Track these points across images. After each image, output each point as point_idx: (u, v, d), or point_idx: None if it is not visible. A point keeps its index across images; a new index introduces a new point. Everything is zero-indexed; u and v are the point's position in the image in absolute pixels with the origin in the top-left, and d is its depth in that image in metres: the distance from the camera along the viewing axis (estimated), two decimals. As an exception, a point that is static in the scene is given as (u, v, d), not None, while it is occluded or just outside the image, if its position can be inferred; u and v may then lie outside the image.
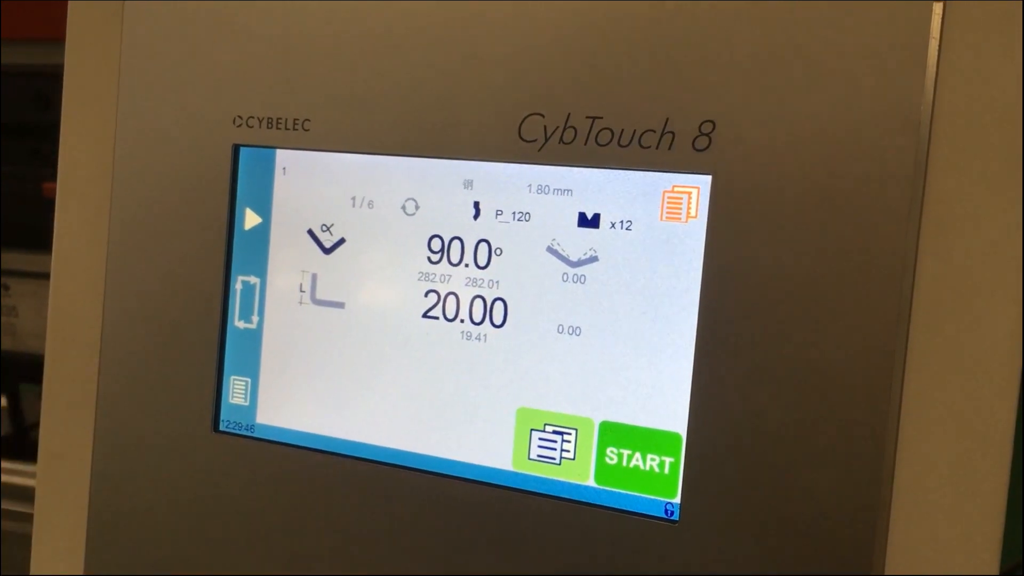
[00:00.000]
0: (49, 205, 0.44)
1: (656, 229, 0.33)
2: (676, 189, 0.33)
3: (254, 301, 0.40)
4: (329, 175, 0.38)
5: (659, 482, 0.34)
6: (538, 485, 0.35)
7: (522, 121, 0.35)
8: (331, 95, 0.38)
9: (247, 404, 0.40)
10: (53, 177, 0.44)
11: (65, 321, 0.43)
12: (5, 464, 0.75)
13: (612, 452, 0.34)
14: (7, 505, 0.71)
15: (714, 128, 0.32)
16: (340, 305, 0.38)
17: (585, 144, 0.34)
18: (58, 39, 0.43)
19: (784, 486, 0.31)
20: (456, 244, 0.36)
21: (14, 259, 0.80)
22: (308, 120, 0.38)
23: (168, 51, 0.40)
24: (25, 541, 0.45)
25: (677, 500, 0.33)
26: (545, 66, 0.34)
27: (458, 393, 0.36)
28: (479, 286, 0.36)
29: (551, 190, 0.35)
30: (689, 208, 0.33)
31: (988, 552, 0.30)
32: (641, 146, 0.33)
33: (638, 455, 0.34)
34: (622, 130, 0.33)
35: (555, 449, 0.35)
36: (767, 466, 0.32)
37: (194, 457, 0.40)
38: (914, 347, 0.31)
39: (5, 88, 0.79)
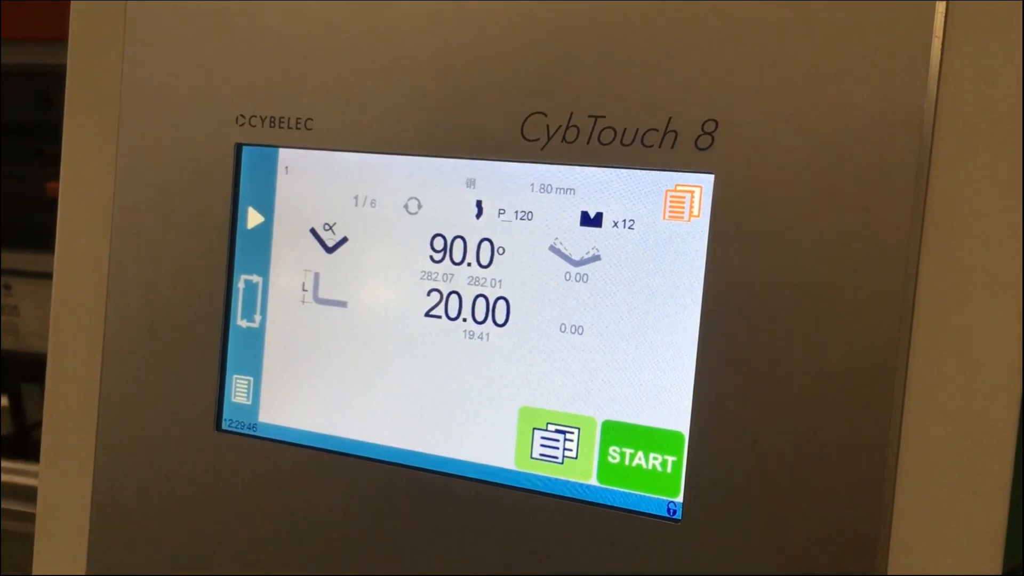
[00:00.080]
0: (51, 205, 0.44)
1: (659, 228, 0.33)
2: (679, 188, 0.33)
3: (256, 300, 0.40)
4: (331, 174, 0.38)
5: (661, 481, 0.34)
6: (540, 484, 0.35)
7: (525, 120, 0.35)
8: (333, 94, 0.38)
9: (249, 403, 0.40)
10: (54, 177, 0.44)
11: (67, 320, 0.43)
12: (6, 463, 0.75)
13: (615, 451, 0.34)
14: (9, 505, 0.71)
15: (717, 127, 0.32)
16: (342, 304, 0.38)
17: (588, 143, 0.34)
18: (59, 39, 0.43)
19: (787, 485, 0.31)
20: (459, 243, 0.36)
21: (16, 259, 0.80)
22: (311, 119, 0.38)
23: (170, 50, 0.40)
24: (27, 541, 0.45)
25: (679, 499, 0.33)
26: (548, 65, 0.34)
27: (460, 392, 0.36)
28: (481, 285, 0.36)
29: (554, 189, 0.35)
30: (692, 207, 0.33)
31: (990, 552, 0.30)
32: (644, 145, 0.33)
33: (640, 454, 0.34)
34: (625, 129, 0.33)
35: (557, 448, 0.35)
36: (769, 465, 0.32)
37: (196, 456, 0.40)
38: (917, 346, 0.31)
39: (6, 88, 0.79)
